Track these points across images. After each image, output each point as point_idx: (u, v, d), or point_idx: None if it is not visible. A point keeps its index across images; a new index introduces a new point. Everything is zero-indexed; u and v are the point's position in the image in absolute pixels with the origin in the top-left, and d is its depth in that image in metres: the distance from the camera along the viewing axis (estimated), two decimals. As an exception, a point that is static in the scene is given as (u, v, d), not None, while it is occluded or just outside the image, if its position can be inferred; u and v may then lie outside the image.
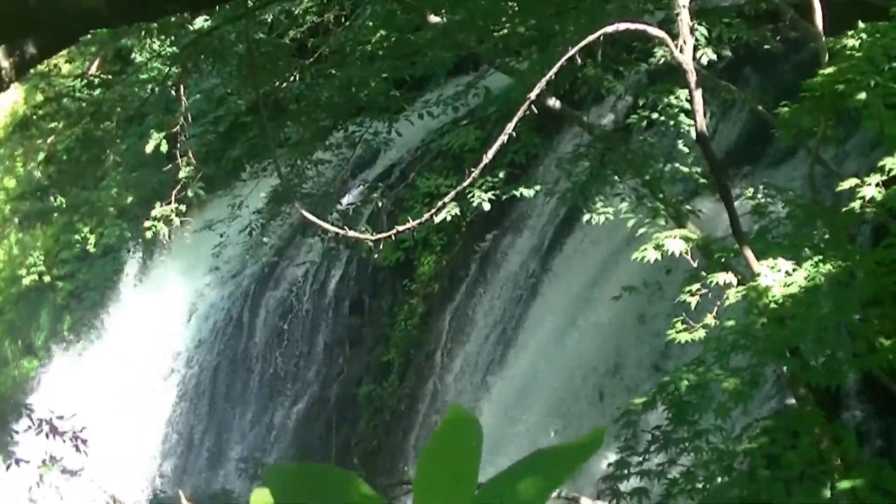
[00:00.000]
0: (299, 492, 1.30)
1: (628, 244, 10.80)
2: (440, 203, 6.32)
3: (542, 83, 6.07)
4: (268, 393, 20.12)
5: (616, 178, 9.83)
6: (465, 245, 17.64)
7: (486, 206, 11.31)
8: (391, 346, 18.10)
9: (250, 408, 20.31)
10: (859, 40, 6.80)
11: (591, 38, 6.01)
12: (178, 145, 15.49)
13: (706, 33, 9.42)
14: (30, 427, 10.40)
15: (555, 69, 6.03)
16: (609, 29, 6.01)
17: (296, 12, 18.76)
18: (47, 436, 10.08)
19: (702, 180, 9.76)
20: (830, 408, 8.74)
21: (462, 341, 16.78)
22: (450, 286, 17.60)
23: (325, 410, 18.84)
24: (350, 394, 18.46)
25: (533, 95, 6.08)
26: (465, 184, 6.14)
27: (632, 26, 6.08)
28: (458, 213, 11.65)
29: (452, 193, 6.30)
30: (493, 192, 11.18)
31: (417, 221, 6.48)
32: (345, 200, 18.56)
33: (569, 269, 15.13)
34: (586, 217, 10.00)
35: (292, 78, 14.30)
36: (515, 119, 6.17)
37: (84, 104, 15.25)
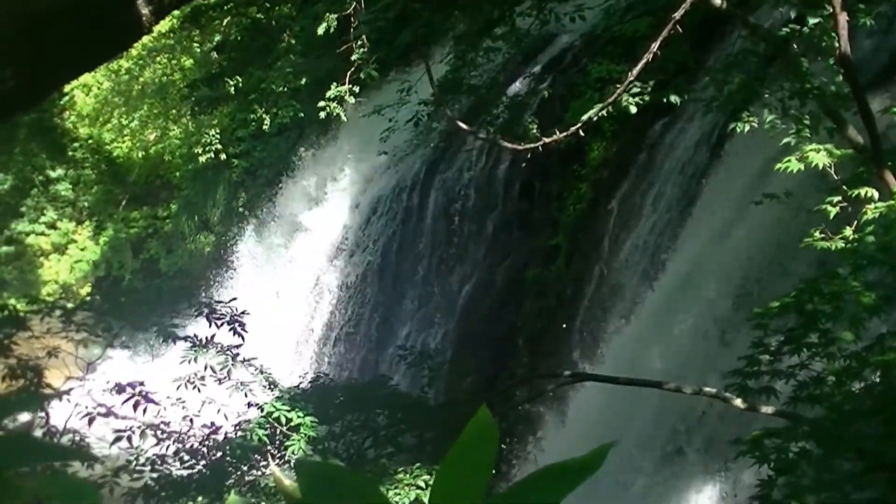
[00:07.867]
0: (322, 489, 1.52)
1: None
2: (585, 116, 6.47)
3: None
4: (435, 275, 20.45)
5: (766, 91, 9.64)
6: (635, 132, 17.46)
7: (633, 110, 11.29)
8: (559, 230, 18.12)
9: (417, 289, 20.66)
10: None
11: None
12: (351, 30, 15.73)
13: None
14: (191, 310, 10.49)
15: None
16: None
17: None
18: (207, 318, 10.20)
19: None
20: None
21: (630, 228, 16.69)
22: (619, 173, 17.49)
23: (491, 293, 19.03)
24: (516, 277, 18.55)
25: (678, 15, 6.15)
26: (609, 101, 6.28)
27: (778, -57, 6.06)
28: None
29: (598, 108, 6.44)
30: (640, 97, 11.15)
31: (564, 133, 6.65)
32: (514, 88, 18.64)
33: (738, 161, 14.89)
34: (731, 126, 9.88)
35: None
36: (661, 36, 6.27)
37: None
